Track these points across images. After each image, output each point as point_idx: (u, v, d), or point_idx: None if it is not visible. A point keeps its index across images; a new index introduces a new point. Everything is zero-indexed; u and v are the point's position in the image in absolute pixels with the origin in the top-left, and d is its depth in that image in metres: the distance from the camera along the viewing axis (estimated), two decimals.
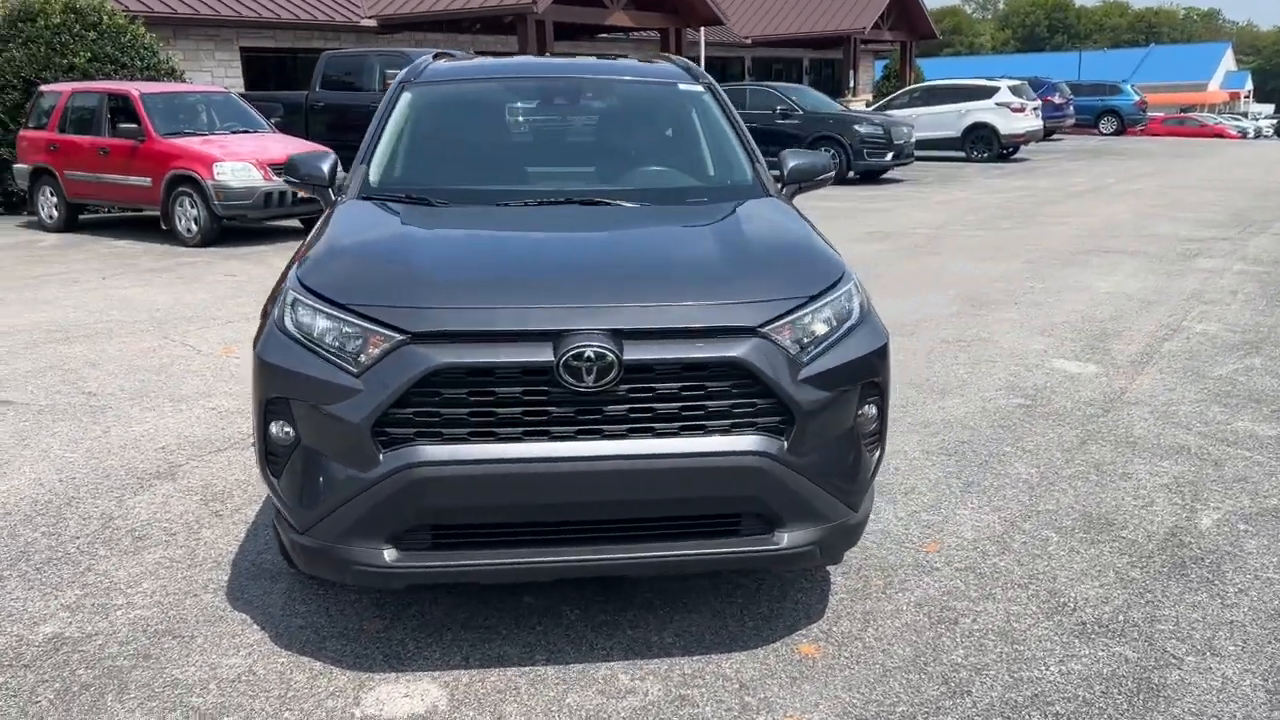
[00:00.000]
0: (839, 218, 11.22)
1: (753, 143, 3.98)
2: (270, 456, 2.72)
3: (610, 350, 2.54)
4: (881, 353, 2.88)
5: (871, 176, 16.79)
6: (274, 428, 2.68)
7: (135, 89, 10.67)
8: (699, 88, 4.16)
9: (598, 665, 2.74)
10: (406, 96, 4.04)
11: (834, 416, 2.75)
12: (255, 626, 2.90)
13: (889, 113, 19.81)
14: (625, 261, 3.00)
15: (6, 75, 12.54)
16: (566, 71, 4.38)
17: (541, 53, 17.38)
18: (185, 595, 3.06)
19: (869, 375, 2.84)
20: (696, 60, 19.44)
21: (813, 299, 2.82)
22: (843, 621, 2.94)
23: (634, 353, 2.57)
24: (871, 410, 2.87)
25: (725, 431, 2.65)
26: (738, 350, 2.63)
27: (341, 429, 2.56)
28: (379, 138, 3.82)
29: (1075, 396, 4.71)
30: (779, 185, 3.82)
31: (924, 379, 5.08)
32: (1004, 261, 8.42)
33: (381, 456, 2.55)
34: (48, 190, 11.29)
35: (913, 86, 23.47)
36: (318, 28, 18.60)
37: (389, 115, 3.94)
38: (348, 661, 2.74)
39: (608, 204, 3.47)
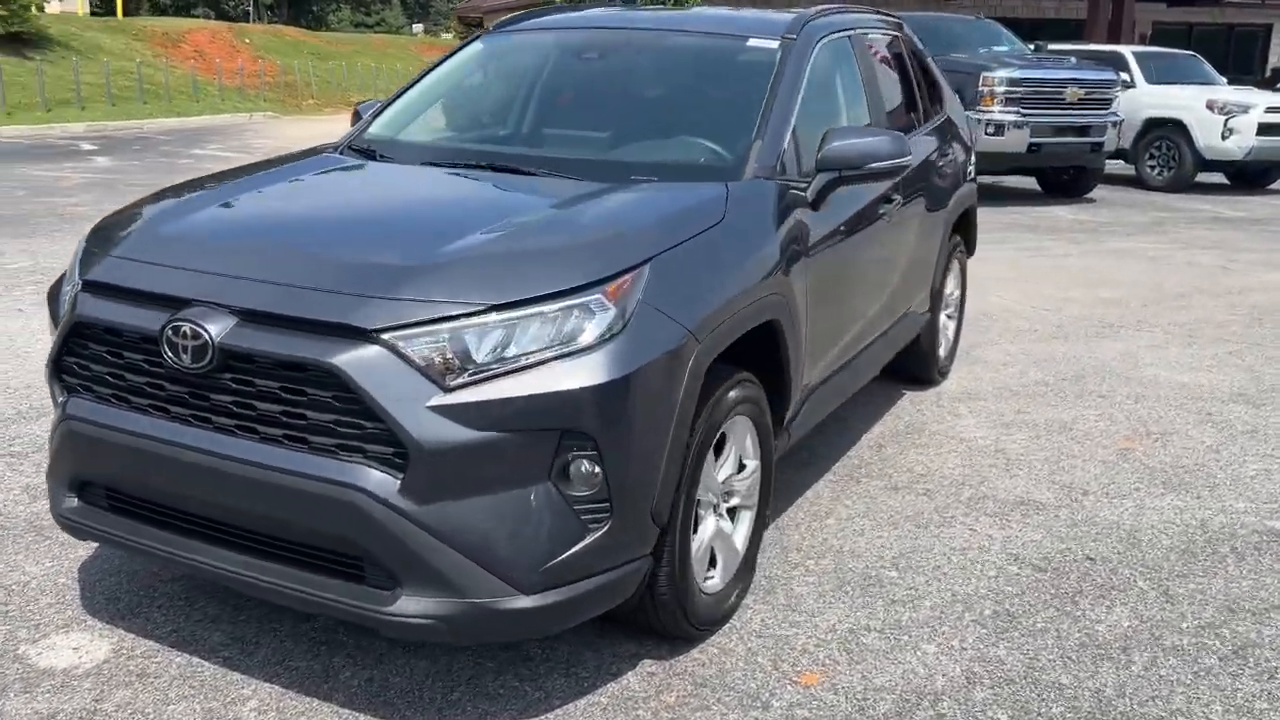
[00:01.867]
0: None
1: (839, 111, 3.77)
2: None
3: (203, 330, 2.33)
4: (600, 394, 2.32)
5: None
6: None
7: None
8: (771, 44, 3.63)
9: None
10: (475, 47, 4.23)
11: (491, 464, 2.30)
12: None
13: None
14: (373, 237, 2.74)
15: None
16: (632, 24, 4.09)
17: None
18: None
19: (568, 422, 2.32)
20: None
21: (497, 307, 2.32)
22: None
23: (239, 339, 2.34)
24: (587, 469, 2.36)
25: (328, 452, 2.32)
26: (337, 356, 2.26)
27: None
28: (408, 89, 4.07)
29: None
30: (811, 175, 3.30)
31: None
32: None
33: (60, 400, 2.67)
34: None
35: None
36: None
37: (436, 67, 4.17)
38: None
39: (522, 173, 3.24)
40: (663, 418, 2.51)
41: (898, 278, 4.27)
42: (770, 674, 2.81)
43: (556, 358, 2.35)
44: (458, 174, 3.34)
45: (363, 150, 3.64)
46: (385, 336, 2.29)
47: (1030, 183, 13.63)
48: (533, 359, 2.34)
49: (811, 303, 3.32)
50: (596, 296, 2.43)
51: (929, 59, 5.23)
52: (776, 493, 3.87)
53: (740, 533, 3.13)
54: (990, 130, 11.64)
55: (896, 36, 4.84)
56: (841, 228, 3.58)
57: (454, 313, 2.33)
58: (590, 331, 2.40)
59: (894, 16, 5.09)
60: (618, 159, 3.45)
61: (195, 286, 2.49)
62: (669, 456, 2.54)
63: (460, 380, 2.29)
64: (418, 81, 4.13)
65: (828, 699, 2.70)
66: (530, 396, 2.31)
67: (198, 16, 49.70)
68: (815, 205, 3.39)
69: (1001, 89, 11.74)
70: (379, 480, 2.29)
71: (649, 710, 2.63)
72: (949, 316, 5.41)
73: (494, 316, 2.35)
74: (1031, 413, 4.96)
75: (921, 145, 4.57)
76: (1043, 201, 12.82)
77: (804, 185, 3.35)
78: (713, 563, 2.99)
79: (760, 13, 4.12)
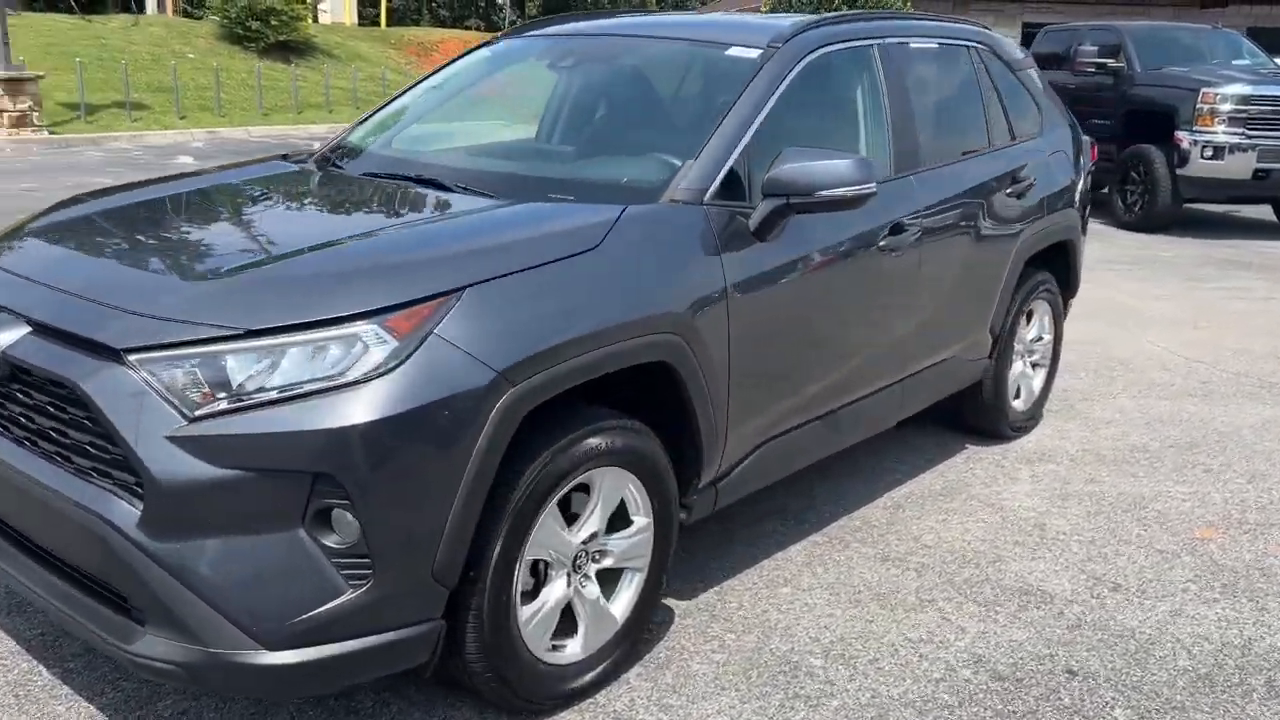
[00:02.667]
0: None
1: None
2: None
3: None
4: (353, 436, 2.09)
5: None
6: None
7: None
8: (751, 54, 3.28)
9: None
10: (481, 53, 4.08)
11: (236, 504, 2.11)
12: None
13: None
14: (184, 251, 2.69)
15: None
16: (626, 31, 3.90)
17: None
18: None
19: (317, 465, 2.10)
20: None
21: (255, 333, 2.14)
22: None
23: (22, 350, 2.29)
24: (347, 519, 2.13)
25: (85, 475, 2.22)
26: (84, 375, 2.16)
27: None
28: (396, 98, 3.99)
29: None
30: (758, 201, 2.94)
31: None
32: None
33: None
34: None
35: None
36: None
37: (436, 72, 4.08)
38: None
39: (440, 187, 3.04)
40: (448, 468, 2.23)
41: (918, 319, 3.75)
42: None
43: (317, 392, 2.14)
44: (370, 187, 3.20)
45: (326, 158, 3.56)
46: (132, 357, 2.16)
47: (1266, 212, 12.06)
48: (291, 392, 2.13)
49: (746, 344, 2.94)
50: (372, 327, 2.20)
51: (1026, 74, 4.62)
52: (741, 552, 3.52)
53: (622, 598, 2.79)
54: (1207, 154, 10.36)
55: (968, 48, 4.29)
56: (805, 260, 3.15)
57: (205, 335, 2.17)
58: (359, 366, 2.17)
59: (974, 24, 4.53)
60: (545, 174, 3.22)
61: (9, 294, 2.46)
62: (461, 510, 2.26)
63: (206, 410, 2.12)
64: (413, 87, 4.02)
65: None
66: (277, 434, 2.11)
67: (470, 28, 52.59)
68: (761, 235, 2.99)
69: (1226, 107, 10.39)
70: (123, 511, 2.16)
71: None
72: (1033, 365, 4.76)
73: (251, 343, 2.16)
74: (1104, 483, 4.26)
75: (972, 171, 4.03)
76: (1275, 235, 11.29)
77: (763, 218, 2.97)
78: (573, 630, 2.68)
79: (776, 18, 3.75)
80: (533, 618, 2.54)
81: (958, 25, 4.36)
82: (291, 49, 26.80)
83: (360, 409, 2.13)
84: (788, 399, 3.25)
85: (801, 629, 3.10)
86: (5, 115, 16.50)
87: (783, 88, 3.24)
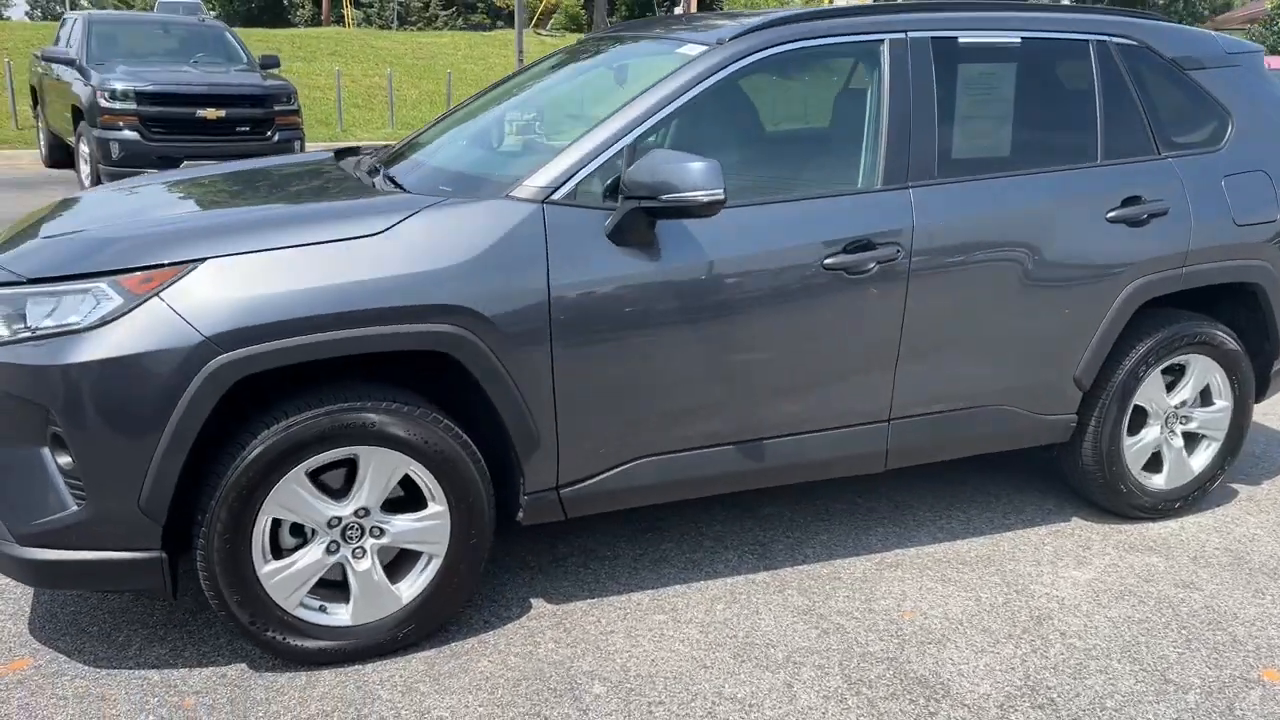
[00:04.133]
0: None
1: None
2: None
3: None
4: (61, 375, 2.46)
5: None
6: None
7: None
8: (693, 51, 3.17)
9: None
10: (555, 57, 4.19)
11: (5, 417, 2.58)
12: None
13: None
14: (90, 221, 3.01)
15: None
16: (623, 30, 4.05)
17: None
18: None
19: (41, 396, 2.51)
20: None
21: (33, 280, 2.60)
22: None
23: None
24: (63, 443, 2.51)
25: None
26: None
27: None
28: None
29: None
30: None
31: None
32: None
33: None
34: None
35: None
36: None
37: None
38: None
39: (366, 187, 3.26)
40: (149, 416, 2.51)
41: (910, 353, 3.25)
42: None
43: (54, 335, 2.52)
44: (327, 181, 3.46)
45: (379, 157, 3.78)
46: None
47: None
48: (43, 332, 2.54)
49: (582, 351, 2.85)
50: (103, 285, 2.54)
51: (1207, 73, 3.72)
52: (657, 573, 3.36)
53: (413, 580, 2.88)
54: None
55: (1084, 42, 3.56)
56: (688, 270, 2.93)
57: (6, 279, 2.66)
58: (90, 316, 2.52)
59: (1117, 15, 3.74)
60: (454, 169, 3.31)
61: None
62: (163, 457, 2.52)
63: (7, 339, 2.57)
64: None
65: None
66: (22, 366, 2.53)
67: None
68: (620, 239, 2.86)
69: None
70: None
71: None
72: (1189, 435, 3.82)
73: (29, 289, 2.61)
74: (1199, 589, 3.33)
75: (1032, 188, 3.38)
76: None
77: (619, 221, 2.87)
78: (346, 598, 2.82)
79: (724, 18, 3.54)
80: (276, 574, 2.72)
81: (1067, 16, 3.63)
82: None
83: (71, 352, 2.48)
84: (666, 418, 3.04)
85: (623, 656, 2.91)
86: None
87: (700, 88, 3.04)
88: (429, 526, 2.84)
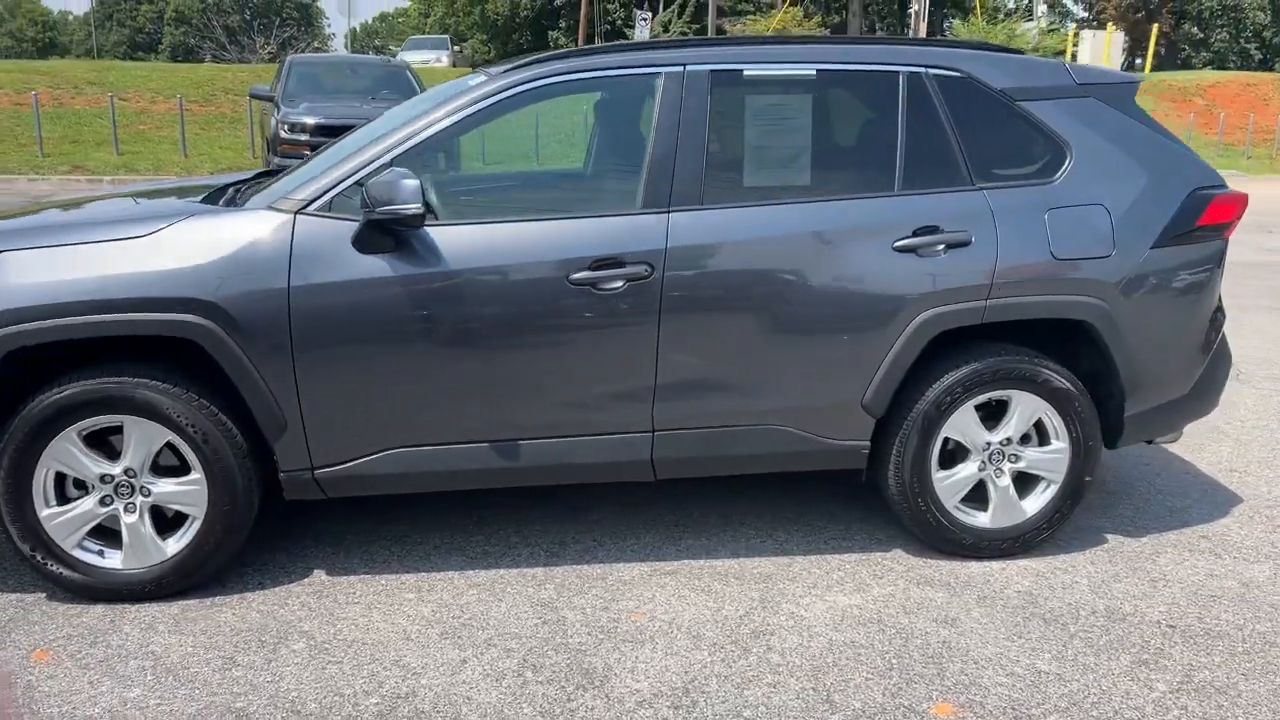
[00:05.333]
0: None
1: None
2: None
3: None
4: None
5: None
6: None
7: None
8: (474, 81, 3.56)
9: None
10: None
11: None
12: None
13: None
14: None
15: None
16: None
17: None
18: None
19: None
20: None
21: None
22: None
23: None
24: None
25: None
26: None
27: None
28: None
29: None
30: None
31: None
32: None
33: None
34: None
35: None
36: None
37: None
38: None
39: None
40: None
41: (670, 367, 3.39)
42: None
43: None
44: (175, 197, 4.02)
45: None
46: None
47: None
48: None
49: (319, 344, 3.24)
50: None
51: (1043, 105, 3.63)
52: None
53: (180, 538, 3.35)
54: None
55: (898, 74, 3.57)
56: (426, 278, 3.25)
57: None
58: None
59: (939, 47, 3.72)
60: (277, 188, 3.72)
61: None
62: None
63: None
64: None
65: None
66: None
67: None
68: (362, 247, 3.24)
69: None
70: None
71: None
72: (1019, 475, 3.70)
73: None
74: (952, 624, 3.24)
75: (804, 216, 3.45)
76: None
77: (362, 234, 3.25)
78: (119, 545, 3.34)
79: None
80: (54, 518, 3.27)
81: (876, 49, 3.63)
82: None
83: None
84: (413, 412, 3.35)
85: (346, 624, 3.24)
86: None
87: (466, 114, 3.39)
88: (188, 491, 3.30)
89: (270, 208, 3.31)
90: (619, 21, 49.28)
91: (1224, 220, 3.73)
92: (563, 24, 55.34)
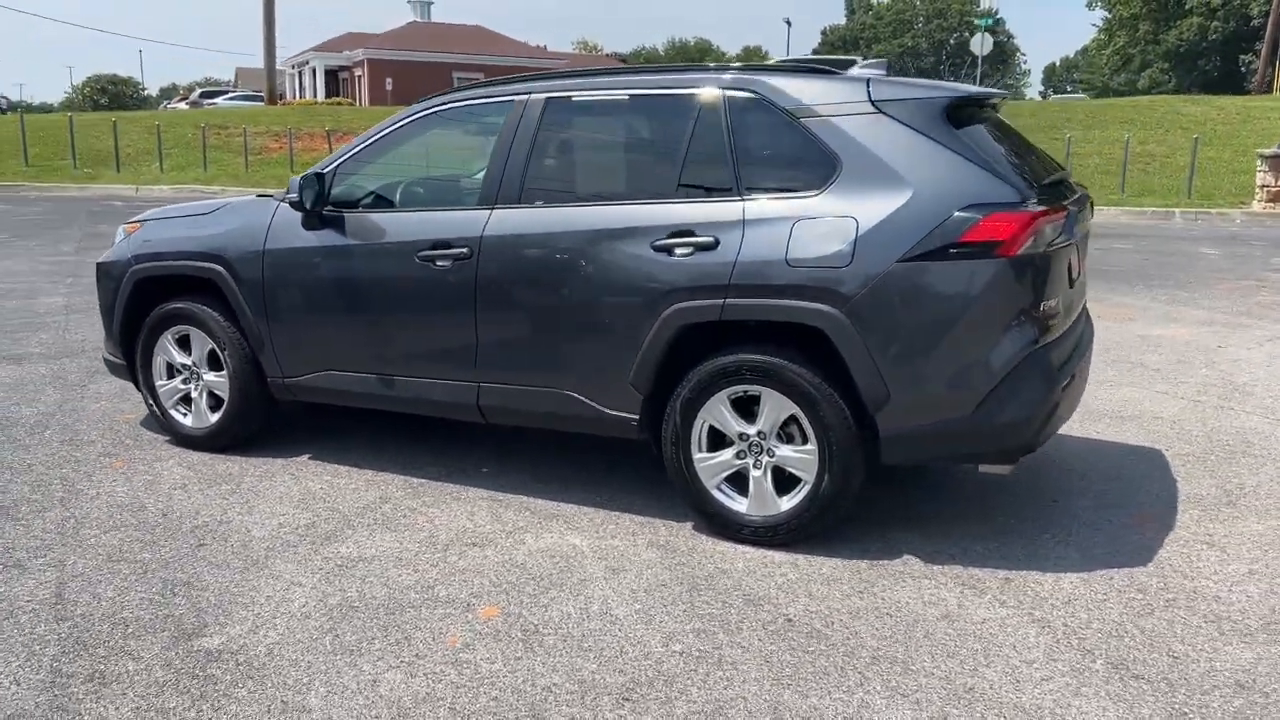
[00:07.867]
0: None
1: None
2: None
3: None
4: None
5: None
6: None
7: None
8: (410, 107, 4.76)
9: None
10: None
11: None
12: None
13: None
14: None
15: None
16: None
17: None
18: None
19: None
20: None
21: None
22: None
23: None
24: None
25: None
26: None
27: None
28: None
29: None
30: None
31: None
32: None
33: None
34: None
35: None
36: None
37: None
38: None
39: None
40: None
41: (485, 334, 4.31)
42: None
43: None
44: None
45: None
46: None
47: None
48: None
49: (276, 288, 4.77)
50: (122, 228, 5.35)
51: (822, 121, 3.80)
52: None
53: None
54: None
55: (686, 97, 4.08)
56: (331, 250, 4.62)
57: None
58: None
59: (731, 74, 4.05)
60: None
61: None
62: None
63: None
64: None
65: None
66: None
67: None
68: (308, 226, 4.71)
69: None
70: None
71: None
72: (775, 470, 3.90)
73: None
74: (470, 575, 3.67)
75: (579, 216, 4.14)
76: None
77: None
78: None
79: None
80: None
81: (682, 76, 4.05)
82: None
83: None
84: (332, 345, 4.69)
85: (270, 500, 4.70)
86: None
87: (388, 130, 4.69)
88: (217, 381, 5.05)
89: (276, 199, 4.92)
90: None
91: (995, 239, 3.54)
92: (1258, 46, 49.37)
